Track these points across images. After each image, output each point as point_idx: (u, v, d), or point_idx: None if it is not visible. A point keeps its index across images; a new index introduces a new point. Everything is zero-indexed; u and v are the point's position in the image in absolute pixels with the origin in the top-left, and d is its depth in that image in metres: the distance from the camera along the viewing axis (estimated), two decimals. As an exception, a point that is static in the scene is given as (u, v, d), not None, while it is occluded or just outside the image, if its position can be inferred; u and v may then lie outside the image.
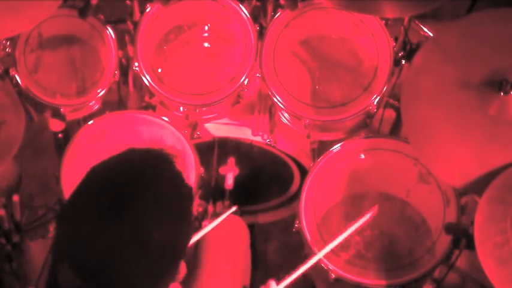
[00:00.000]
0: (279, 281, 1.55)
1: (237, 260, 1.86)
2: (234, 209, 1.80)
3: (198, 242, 1.91)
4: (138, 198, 1.04)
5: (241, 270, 1.86)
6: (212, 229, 1.92)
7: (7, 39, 2.15)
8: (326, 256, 1.93)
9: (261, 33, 2.24)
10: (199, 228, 2.04)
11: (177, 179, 1.11)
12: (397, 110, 2.32)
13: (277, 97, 2.15)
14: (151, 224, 1.04)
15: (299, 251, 2.10)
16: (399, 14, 1.99)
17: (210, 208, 2.32)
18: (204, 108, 2.23)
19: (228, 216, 2.02)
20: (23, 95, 2.18)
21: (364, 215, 1.79)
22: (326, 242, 1.94)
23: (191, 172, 2.04)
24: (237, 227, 1.97)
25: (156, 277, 1.07)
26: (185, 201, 1.11)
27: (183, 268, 1.15)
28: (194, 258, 1.88)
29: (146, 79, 2.20)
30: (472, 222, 1.65)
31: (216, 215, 2.10)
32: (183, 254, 1.12)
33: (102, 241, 1.01)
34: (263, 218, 2.52)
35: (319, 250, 1.91)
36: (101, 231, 1.01)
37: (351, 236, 1.98)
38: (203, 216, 2.22)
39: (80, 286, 1.01)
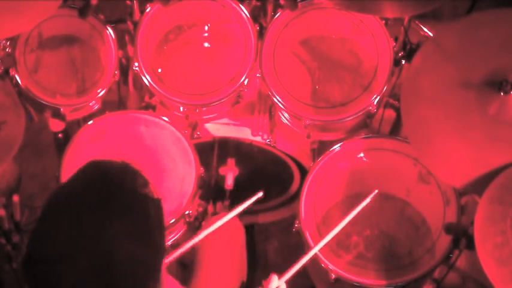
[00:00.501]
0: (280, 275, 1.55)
1: (233, 257, 1.87)
2: (260, 194, 1.76)
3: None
4: (101, 217, 1.03)
5: (238, 268, 1.86)
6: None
7: (7, 39, 2.15)
8: (326, 256, 1.93)
9: (261, 33, 2.24)
10: (198, 228, 2.05)
11: (137, 197, 1.08)
12: (397, 110, 2.32)
13: (277, 97, 2.15)
14: (117, 240, 1.02)
15: (299, 251, 2.10)
16: (399, 14, 1.99)
17: (210, 208, 2.32)
18: (204, 108, 2.23)
19: (225, 215, 2.02)
20: (23, 95, 2.18)
21: (366, 198, 1.78)
22: (321, 234, 1.95)
23: (190, 172, 2.04)
24: (233, 225, 1.97)
25: None
26: (152, 215, 1.08)
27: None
28: (191, 256, 1.88)
29: (146, 79, 2.20)
30: (472, 222, 1.65)
31: (215, 214, 2.10)
32: (157, 272, 1.09)
33: (71, 266, 1.00)
34: (263, 218, 2.52)
35: (320, 250, 1.92)
36: (68, 255, 1.01)
37: (351, 236, 1.99)
38: (203, 216, 2.22)
39: None
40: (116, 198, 1.05)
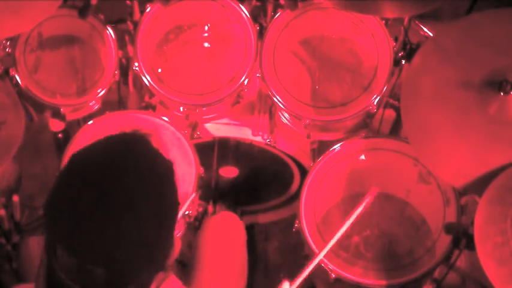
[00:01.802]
0: (291, 281, 1.55)
1: (234, 257, 1.87)
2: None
3: (194, 241, 1.92)
4: (118, 181, 1.05)
5: (239, 267, 1.86)
6: (210, 228, 1.93)
7: (7, 39, 2.15)
8: (326, 256, 1.93)
9: (261, 33, 2.24)
10: (199, 228, 2.05)
11: (150, 159, 1.11)
12: (397, 110, 2.32)
13: (277, 97, 2.15)
14: (135, 209, 1.04)
15: (299, 251, 2.10)
16: (399, 14, 1.99)
17: (210, 208, 2.32)
18: (204, 108, 2.23)
19: (225, 215, 2.03)
20: (23, 95, 2.17)
21: (367, 196, 1.78)
22: (321, 234, 1.95)
23: (190, 172, 2.04)
24: (234, 224, 1.97)
25: (148, 249, 1.07)
26: (165, 177, 1.11)
27: (177, 247, 1.16)
28: (191, 256, 1.88)
29: (146, 79, 2.20)
30: (472, 222, 1.65)
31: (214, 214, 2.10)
32: (171, 237, 1.12)
33: (91, 221, 1.02)
34: (263, 218, 2.52)
35: (320, 250, 1.92)
36: (88, 213, 1.03)
37: (351, 236, 1.98)
38: (203, 216, 2.22)
39: (78, 263, 1.02)
40: (130, 168, 1.08)
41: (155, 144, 1.13)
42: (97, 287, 1.03)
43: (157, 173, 1.10)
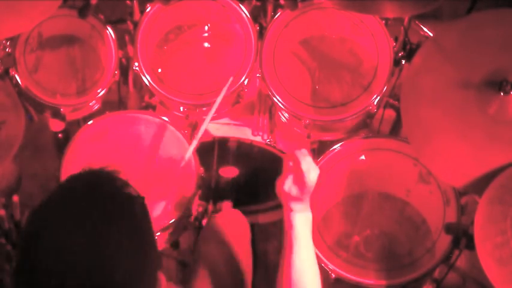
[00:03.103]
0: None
1: (238, 255, 1.86)
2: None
3: (197, 239, 1.91)
4: (84, 223, 1.02)
5: (243, 264, 1.85)
6: (211, 227, 1.92)
7: (7, 39, 2.15)
8: (326, 256, 1.93)
9: (261, 33, 2.24)
10: (199, 228, 2.05)
11: (117, 200, 1.07)
12: (397, 110, 2.32)
13: (277, 97, 2.15)
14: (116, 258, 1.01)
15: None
16: (399, 14, 1.99)
17: (210, 208, 2.32)
18: (204, 108, 2.23)
19: (229, 212, 2.02)
20: (23, 95, 2.18)
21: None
22: (321, 234, 1.95)
23: (190, 173, 2.04)
24: (239, 222, 1.97)
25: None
26: (137, 217, 1.07)
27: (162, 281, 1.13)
28: (192, 255, 1.88)
29: (146, 79, 2.20)
30: (472, 222, 1.65)
31: (215, 212, 2.10)
32: (153, 265, 1.09)
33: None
34: (263, 218, 2.52)
35: (320, 251, 1.92)
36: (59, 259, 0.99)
37: (351, 236, 1.98)
38: (203, 216, 2.22)
39: None
40: (97, 204, 1.04)
41: (119, 184, 1.09)
42: None
43: (126, 215, 1.06)
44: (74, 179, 1.09)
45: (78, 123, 2.28)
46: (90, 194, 1.06)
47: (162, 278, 1.13)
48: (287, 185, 1.47)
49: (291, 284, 1.43)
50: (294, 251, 1.46)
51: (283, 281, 1.45)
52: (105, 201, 1.05)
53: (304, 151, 1.46)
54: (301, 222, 1.48)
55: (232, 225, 1.94)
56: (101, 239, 1.01)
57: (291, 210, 1.48)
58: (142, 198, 1.10)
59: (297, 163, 1.43)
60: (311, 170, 1.44)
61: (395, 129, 2.43)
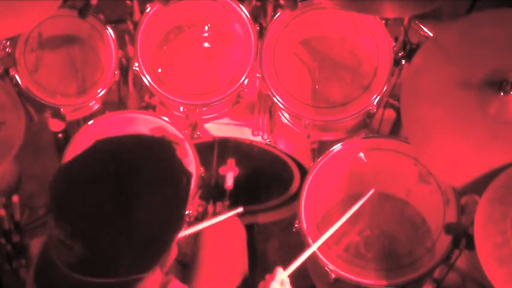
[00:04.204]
0: (285, 267, 1.54)
1: (234, 257, 1.87)
2: (239, 210, 1.80)
3: (195, 241, 1.92)
4: (134, 174, 1.06)
5: (239, 268, 1.86)
6: (210, 228, 1.93)
7: (7, 39, 2.15)
8: (326, 256, 1.93)
9: (261, 33, 2.24)
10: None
11: (175, 163, 1.13)
12: (397, 110, 2.32)
13: (277, 97, 2.15)
14: (142, 201, 1.06)
15: (299, 251, 2.09)
16: (399, 14, 1.99)
17: (210, 208, 2.32)
18: (204, 108, 2.23)
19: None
20: (23, 95, 2.18)
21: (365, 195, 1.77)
22: (321, 234, 1.94)
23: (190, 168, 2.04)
24: (234, 225, 1.97)
25: (140, 255, 1.08)
26: (181, 187, 1.13)
27: (173, 254, 1.16)
28: (192, 257, 1.88)
29: (146, 79, 2.20)
30: (472, 222, 1.65)
31: (216, 214, 2.10)
32: (171, 240, 1.13)
33: (92, 205, 1.04)
34: (263, 218, 2.52)
35: (320, 251, 1.92)
36: (93, 195, 1.04)
37: (351, 236, 1.98)
38: (203, 216, 2.22)
39: (59, 236, 1.03)
40: (152, 165, 1.10)
41: (179, 154, 1.14)
42: (75, 265, 1.04)
43: (174, 179, 1.11)
44: (141, 135, 1.17)
45: (78, 123, 2.28)
46: (151, 152, 1.12)
47: (175, 248, 1.16)
48: None
49: None
50: None
51: None
52: (160, 163, 1.11)
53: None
54: None
55: (227, 228, 1.94)
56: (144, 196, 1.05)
57: None
58: (191, 174, 1.15)
59: None
60: None
61: (395, 129, 2.43)
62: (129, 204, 1.04)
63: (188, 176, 1.14)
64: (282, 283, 1.48)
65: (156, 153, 1.12)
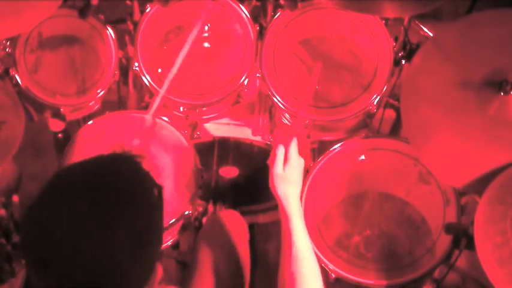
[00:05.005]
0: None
1: (236, 255, 1.87)
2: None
3: (195, 241, 1.92)
4: (106, 200, 1.03)
5: (240, 268, 1.86)
6: (210, 227, 1.93)
7: (7, 39, 2.15)
8: (326, 256, 1.93)
9: (261, 33, 2.24)
10: (199, 228, 2.05)
11: (142, 177, 1.10)
12: (397, 110, 2.32)
13: (277, 97, 2.15)
14: (121, 222, 1.03)
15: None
16: (399, 14, 1.99)
17: (210, 208, 2.32)
18: (204, 108, 2.23)
19: (227, 213, 2.03)
20: (23, 95, 2.18)
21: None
22: (321, 234, 1.95)
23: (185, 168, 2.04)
24: (237, 222, 1.97)
25: (129, 275, 1.05)
26: (154, 199, 1.10)
27: (159, 272, 1.14)
28: (192, 255, 1.88)
29: (146, 79, 2.20)
30: (472, 222, 1.65)
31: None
32: (155, 257, 1.10)
33: (72, 236, 1.01)
34: (263, 218, 2.52)
35: (320, 251, 1.92)
36: (71, 237, 1.01)
37: (351, 236, 1.98)
38: (203, 216, 2.22)
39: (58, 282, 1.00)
40: (118, 188, 1.06)
41: (146, 166, 1.12)
42: None
43: (146, 194, 1.09)
44: (101, 156, 1.12)
45: (78, 123, 2.28)
46: (117, 169, 1.09)
47: (160, 268, 1.14)
48: (278, 168, 1.54)
49: (292, 274, 1.44)
50: (292, 241, 1.47)
51: (285, 273, 1.45)
52: (129, 179, 1.08)
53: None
54: (296, 213, 1.49)
55: (231, 226, 1.94)
56: (115, 221, 1.02)
57: (286, 199, 1.48)
58: (161, 187, 1.12)
59: (287, 144, 1.50)
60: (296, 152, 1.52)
61: (395, 129, 2.43)
62: (110, 229, 1.01)
63: (159, 187, 1.11)
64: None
65: (122, 172, 1.08)
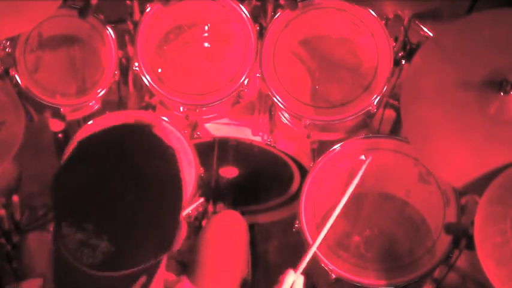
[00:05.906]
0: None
1: (236, 257, 1.87)
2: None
3: (196, 241, 1.92)
4: (126, 161, 1.08)
5: (241, 265, 1.86)
6: (211, 227, 1.93)
7: (7, 39, 2.15)
8: (326, 256, 1.93)
9: (261, 33, 2.24)
10: (199, 228, 2.05)
11: (157, 142, 1.15)
12: (397, 110, 2.32)
13: (277, 97, 2.15)
14: (144, 185, 1.07)
15: (299, 251, 2.09)
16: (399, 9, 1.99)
17: (210, 208, 2.32)
18: (204, 108, 2.23)
19: (228, 213, 2.03)
20: (23, 95, 2.17)
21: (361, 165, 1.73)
22: (327, 240, 1.95)
23: (190, 172, 2.04)
24: (237, 223, 1.97)
25: (159, 235, 1.09)
26: (169, 159, 1.14)
27: (184, 229, 1.18)
28: (192, 255, 1.88)
29: (146, 79, 2.20)
30: (472, 222, 1.66)
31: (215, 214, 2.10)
32: (178, 214, 1.14)
33: (95, 197, 1.05)
34: (263, 218, 2.52)
35: (320, 250, 1.92)
36: (93, 189, 1.06)
37: (351, 236, 1.98)
38: (203, 216, 2.22)
39: (81, 239, 1.04)
40: (135, 155, 1.11)
41: (158, 132, 1.16)
42: (101, 264, 1.04)
43: (162, 155, 1.13)
44: (115, 126, 1.17)
45: (78, 123, 2.28)
46: (132, 136, 1.15)
47: (184, 225, 1.18)
48: None
49: None
50: None
51: None
52: (143, 143, 1.13)
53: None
54: None
55: (231, 226, 1.94)
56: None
57: None
58: (173, 149, 1.17)
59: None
60: None
61: (395, 129, 2.43)
62: (135, 190, 1.06)
63: (172, 150, 1.16)
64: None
65: (135, 140, 1.14)
